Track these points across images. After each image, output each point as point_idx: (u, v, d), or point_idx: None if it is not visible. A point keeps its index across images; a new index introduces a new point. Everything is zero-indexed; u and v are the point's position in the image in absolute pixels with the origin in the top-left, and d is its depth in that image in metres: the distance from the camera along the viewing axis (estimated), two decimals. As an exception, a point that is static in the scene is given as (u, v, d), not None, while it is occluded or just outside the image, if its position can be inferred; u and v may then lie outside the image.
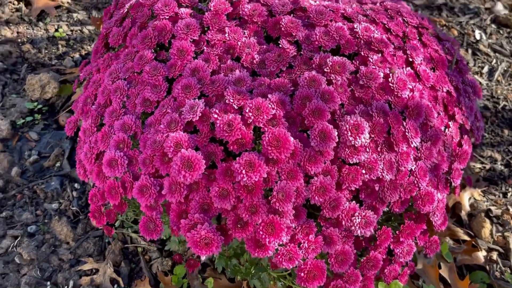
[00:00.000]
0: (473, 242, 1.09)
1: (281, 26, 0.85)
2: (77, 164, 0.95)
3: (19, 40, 1.44)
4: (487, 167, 1.29)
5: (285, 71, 0.82)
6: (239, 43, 0.85)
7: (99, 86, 0.96)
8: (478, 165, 1.30)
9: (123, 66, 0.90)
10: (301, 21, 0.86)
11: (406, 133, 0.80)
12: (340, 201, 0.77)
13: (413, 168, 0.82)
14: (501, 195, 1.23)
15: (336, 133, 0.75)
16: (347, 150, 0.76)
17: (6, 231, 1.05)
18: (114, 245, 1.05)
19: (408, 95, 0.83)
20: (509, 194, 1.23)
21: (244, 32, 0.87)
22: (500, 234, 1.13)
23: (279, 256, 0.76)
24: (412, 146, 0.81)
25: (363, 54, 0.84)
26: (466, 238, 1.11)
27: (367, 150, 0.77)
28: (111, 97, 0.88)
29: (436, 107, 0.90)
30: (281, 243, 0.75)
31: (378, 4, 1.03)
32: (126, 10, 0.97)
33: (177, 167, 0.74)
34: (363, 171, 0.77)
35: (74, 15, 1.56)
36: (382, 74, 0.82)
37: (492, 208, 1.17)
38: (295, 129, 0.77)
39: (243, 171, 0.71)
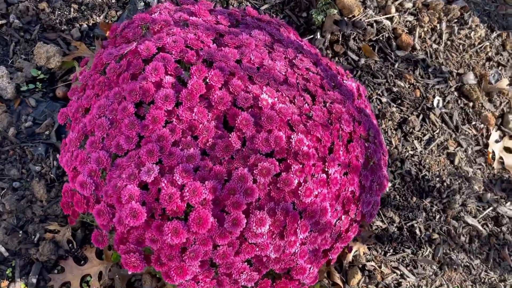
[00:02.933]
0: (341, 287, 1.45)
1: (237, 120, 1.09)
2: (61, 155, 1.22)
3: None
4: (383, 226, 1.62)
5: (226, 160, 1.08)
6: (200, 125, 1.09)
7: (90, 101, 1.20)
8: (379, 223, 1.62)
9: (110, 105, 1.13)
10: (253, 119, 1.10)
11: (297, 230, 1.09)
12: (235, 263, 1.08)
13: (296, 250, 1.13)
14: (382, 253, 1.57)
15: (245, 221, 1.04)
16: (250, 233, 1.06)
17: (-5, 182, 1.34)
18: (76, 214, 1.36)
19: (310, 200, 1.11)
20: (388, 254, 1.57)
21: (208, 114, 1.10)
22: (364, 285, 1.49)
23: (181, 286, 1.08)
24: (299, 237, 1.11)
25: (288, 162, 1.10)
26: (339, 282, 1.46)
27: (264, 236, 1.07)
28: (95, 130, 1.12)
29: (334, 205, 1.18)
30: (185, 280, 1.07)
31: (319, 90, 1.25)
32: (125, 52, 1.17)
33: (126, 213, 1.02)
34: (257, 249, 1.08)
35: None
36: (296, 182, 1.09)
37: (368, 263, 1.51)
38: (217, 210, 1.05)
39: (169, 234, 1.01)
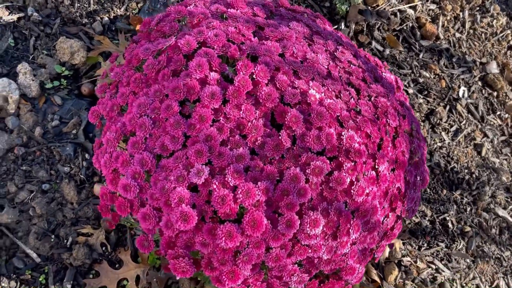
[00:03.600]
0: (379, 284, 1.42)
1: (286, 118, 1.05)
2: (94, 156, 1.17)
3: None
4: (416, 220, 1.59)
5: (277, 159, 1.03)
6: (249, 124, 1.04)
7: (126, 99, 1.14)
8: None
9: (151, 103, 1.08)
10: (302, 116, 1.06)
11: (350, 230, 1.06)
12: (286, 266, 1.05)
13: (347, 251, 1.10)
14: (416, 248, 1.55)
15: (299, 222, 1.00)
16: (303, 234, 1.02)
17: (24, 184, 1.28)
18: (108, 216, 1.31)
19: (362, 199, 1.07)
20: (422, 248, 1.55)
21: (256, 112, 1.06)
22: (401, 280, 1.47)
23: (231, 291, 1.05)
24: (351, 238, 1.08)
25: (340, 160, 1.06)
26: (376, 279, 1.43)
27: (317, 238, 1.03)
28: (136, 130, 1.07)
29: (382, 203, 1.15)
30: (236, 284, 1.03)
31: (365, 91, 1.21)
32: (164, 47, 1.12)
33: (176, 217, 0.98)
34: (310, 250, 1.04)
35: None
36: (348, 180, 1.05)
37: (404, 258, 1.49)
38: (270, 211, 1.01)
39: (223, 238, 0.97)
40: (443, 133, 1.77)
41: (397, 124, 1.20)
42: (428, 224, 1.60)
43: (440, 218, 1.62)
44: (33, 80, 1.32)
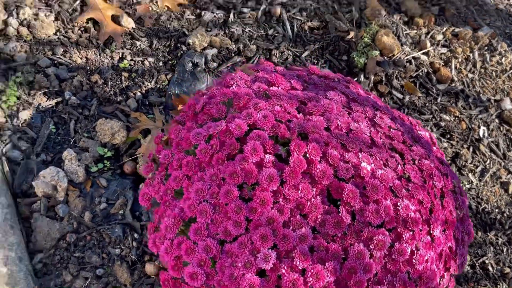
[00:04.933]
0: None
1: (343, 194, 1.08)
2: (150, 240, 1.19)
3: (88, 68, 1.56)
4: (458, 267, 1.61)
5: (339, 236, 1.06)
6: (308, 203, 1.07)
7: (180, 183, 1.17)
8: (451, 263, 1.62)
9: (209, 189, 1.10)
10: (358, 190, 1.09)
11: (415, 299, 1.08)
12: None
13: (411, 318, 1.11)
14: (462, 295, 1.57)
15: (367, 298, 1.02)
16: (371, 309, 1.04)
17: (79, 271, 1.28)
18: (162, 295, 1.32)
19: (423, 267, 1.10)
20: (467, 295, 1.57)
21: (312, 190, 1.09)
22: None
23: None
24: (416, 306, 1.10)
25: (399, 231, 1.09)
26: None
27: (385, 310, 1.05)
28: (197, 216, 1.09)
29: (438, 265, 1.17)
30: None
31: (409, 156, 1.25)
32: (215, 132, 1.15)
33: (248, 304, 0.99)
34: (378, 323, 1.06)
35: (137, 43, 1.67)
36: (409, 250, 1.08)
37: (453, 309, 1.51)
38: (338, 289, 1.03)
39: (298, 322, 0.98)
40: (470, 174, 1.81)
41: (443, 185, 1.24)
42: (468, 268, 1.62)
43: (479, 261, 1.65)
44: (78, 166, 1.34)
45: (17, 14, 1.52)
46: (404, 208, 1.10)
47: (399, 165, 1.19)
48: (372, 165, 1.15)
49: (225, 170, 1.10)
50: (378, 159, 1.18)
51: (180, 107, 1.41)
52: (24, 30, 1.52)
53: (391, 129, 1.28)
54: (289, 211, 1.07)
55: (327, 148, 1.14)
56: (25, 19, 1.53)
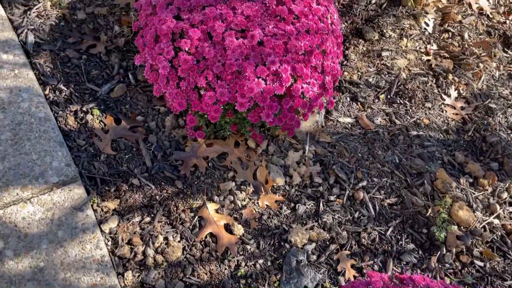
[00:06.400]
0: None
1: None
2: None
3: (213, 282, 1.78)
4: None
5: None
6: None
7: None
8: None
9: None
10: None
11: None
12: None
13: None
14: None
15: None
16: None
17: None
18: None
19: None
20: None
21: None
22: None
23: None
24: None
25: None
26: None
27: None
28: None
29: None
30: None
31: None
32: None
33: None
34: None
35: (248, 247, 1.90)
36: None
37: None
38: None
39: None
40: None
41: None
42: None
43: None
44: None
45: (153, 243, 1.78)
46: None
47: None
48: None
49: None
50: None
51: None
52: (159, 258, 1.77)
53: None
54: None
55: None
56: (159, 246, 1.79)
